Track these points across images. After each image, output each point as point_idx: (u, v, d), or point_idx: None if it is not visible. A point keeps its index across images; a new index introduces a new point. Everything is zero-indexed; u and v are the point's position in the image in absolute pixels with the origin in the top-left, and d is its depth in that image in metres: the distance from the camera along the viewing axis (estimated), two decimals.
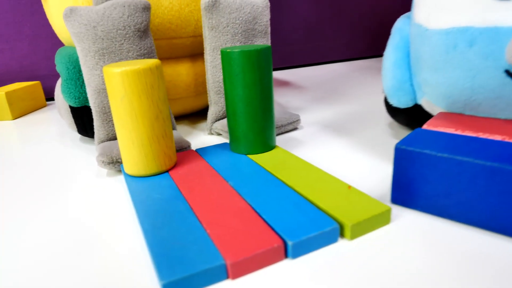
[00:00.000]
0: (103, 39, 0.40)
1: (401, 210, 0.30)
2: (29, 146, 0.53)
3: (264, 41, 0.50)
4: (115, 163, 0.39)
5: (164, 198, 0.31)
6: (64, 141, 0.54)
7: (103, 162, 0.39)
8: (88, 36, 0.40)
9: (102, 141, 0.44)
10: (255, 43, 0.49)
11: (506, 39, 0.30)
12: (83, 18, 0.40)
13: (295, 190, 0.31)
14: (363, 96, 0.69)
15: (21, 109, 0.72)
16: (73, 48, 0.48)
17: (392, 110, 0.45)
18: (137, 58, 0.42)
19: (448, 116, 0.35)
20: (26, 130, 0.61)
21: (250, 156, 0.39)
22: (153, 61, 0.34)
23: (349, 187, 0.31)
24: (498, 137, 0.29)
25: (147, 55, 0.43)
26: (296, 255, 0.25)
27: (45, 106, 0.79)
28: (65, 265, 0.26)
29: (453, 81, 0.33)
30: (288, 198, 0.30)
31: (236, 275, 0.24)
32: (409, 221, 0.29)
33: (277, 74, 1.00)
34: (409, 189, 0.29)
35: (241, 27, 0.47)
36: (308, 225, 0.26)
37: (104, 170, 0.42)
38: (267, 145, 0.40)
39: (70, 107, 0.47)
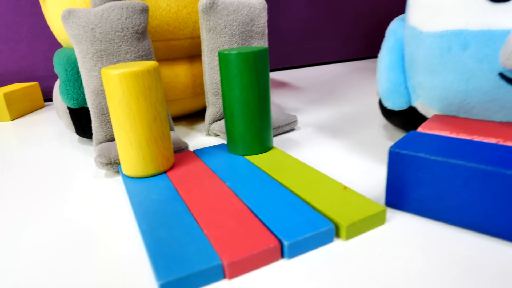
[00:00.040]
0: (101, 41, 0.41)
1: (395, 211, 0.30)
2: (27, 147, 0.53)
3: (261, 42, 0.50)
4: (113, 164, 0.40)
5: (161, 199, 0.32)
6: (63, 142, 0.54)
7: (101, 163, 0.39)
8: (86, 38, 0.40)
9: (100, 142, 0.44)
10: (253, 45, 0.50)
11: (500, 42, 0.30)
12: (81, 20, 0.40)
13: (291, 191, 0.32)
14: (359, 97, 0.69)
15: (19, 110, 0.72)
16: (72, 50, 0.48)
17: (387, 112, 0.45)
18: (135, 60, 0.43)
19: (443, 119, 0.35)
20: (24, 131, 0.61)
21: (248, 157, 0.39)
22: (151, 63, 0.34)
23: (345, 187, 0.31)
24: (492, 140, 0.30)
25: (145, 56, 0.44)
26: (292, 255, 0.25)
27: (43, 107, 0.79)
28: (63, 266, 0.26)
29: (448, 84, 0.33)
30: (285, 198, 0.30)
31: (232, 275, 0.24)
32: (404, 221, 0.29)
33: (274, 75, 1.00)
34: (403, 192, 0.30)
35: (238, 29, 0.47)
36: (304, 225, 0.26)
37: (102, 171, 0.42)
38: (264, 146, 0.40)
39: (69, 108, 0.48)
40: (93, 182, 0.40)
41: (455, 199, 0.27)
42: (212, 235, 0.26)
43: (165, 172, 0.37)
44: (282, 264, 0.25)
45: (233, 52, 0.36)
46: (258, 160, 0.38)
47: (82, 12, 0.40)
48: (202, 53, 0.48)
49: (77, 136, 0.56)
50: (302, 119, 0.58)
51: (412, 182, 0.29)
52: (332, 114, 0.59)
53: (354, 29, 1.16)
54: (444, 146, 0.28)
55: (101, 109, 0.42)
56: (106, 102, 0.42)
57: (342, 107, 0.63)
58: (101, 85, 0.42)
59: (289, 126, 0.51)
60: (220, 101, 0.50)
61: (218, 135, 0.51)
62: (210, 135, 0.52)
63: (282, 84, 0.87)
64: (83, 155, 0.48)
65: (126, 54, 0.42)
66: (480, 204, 0.26)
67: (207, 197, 0.31)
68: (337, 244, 0.27)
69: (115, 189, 0.38)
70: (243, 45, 0.49)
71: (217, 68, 0.48)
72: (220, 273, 0.24)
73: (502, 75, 0.30)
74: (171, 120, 0.47)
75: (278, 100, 0.71)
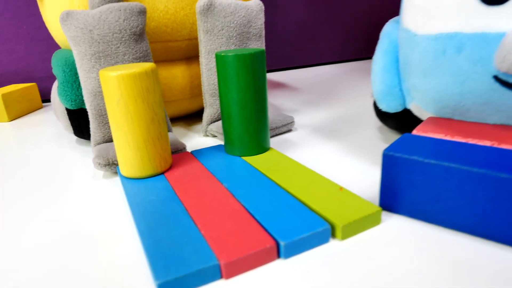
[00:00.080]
0: (99, 42, 0.41)
1: (390, 212, 0.31)
2: (26, 147, 0.53)
3: (258, 44, 0.51)
4: (111, 165, 0.40)
5: (159, 199, 0.32)
6: (61, 142, 0.54)
7: (99, 164, 0.39)
8: (84, 39, 0.40)
9: (98, 143, 0.44)
10: (250, 46, 0.50)
11: (495, 45, 0.30)
12: (79, 22, 0.40)
13: (288, 192, 0.32)
14: (356, 98, 0.69)
15: (17, 110, 0.72)
16: (70, 51, 0.48)
17: (382, 115, 0.45)
18: (133, 61, 0.43)
19: (438, 121, 0.35)
20: (22, 132, 0.61)
21: (245, 158, 0.40)
22: (149, 65, 0.34)
23: (341, 188, 0.32)
24: (487, 143, 0.30)
25: (143, 58, 0.44)
26: (288, 255, 0.26)
27: (41, 107, 0.80)
28: (61, 266, 0.27)
29: (442, 86, 0.34)
30: (281, 199, 0.31)
31: (229, 275, 0.24)
32: (399, 222, 0.29)
33: (272, 76, 1.01)
34: (397, 195, 0.30)
35: (235, 30, 0.48)
36: (300, 226, 0.27)
37: (100, 172, 0.42)
38: (261, 147, 0.40)
39: (67, 109, 0.48)
40: (91, 183, 0.40)
41: (449, 202, 0.27)
42: (209, 236, 0.26)
43: (163, 173, 0.37)
44: (278, 264, 0.25)
45: (230, 54, 0.36)
46: (255, 161, 0.39)
47: (80, 14, 0.40)
48: (199, 54, 0.49)
49: (75, 137, 0.56)
50: (299, 120, 0.58)
51: (406, 185, 0.29)
52: (329, 115, 0.60)
53: (351, 30, 1.16)
54: (438, 148, 0.29)
55: (99, 110, 0.43)
56: (104, 104, 0.43)
57: (339, 108, 0.64)
58: (99, 86, 0.42)
59: (286, 127, 0.51)
60: (218, 102, 0.50)
61: (216, 136, 0.51)
62: (207, 136, 0.52)
63: (279, 85, 0.87)
64: (81, 156, 0.48)
65: (124, 56, 0.42)
66: (474, 207, 0.26)
67: (204, 198, 0.32)
68: (332, 244, 0.27)
69: (113, 190, 0.38)
70: (240, 46, 0.49)
71: (215, 69, 0.48)
72: (217, 273, 0.24)
73: (496, 78, 0.30)
74: (168, 121, 0.48)
75: (276, 101, 0.71)
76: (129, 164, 0.36)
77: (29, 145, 0.54)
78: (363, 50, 1.20)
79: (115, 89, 0.33)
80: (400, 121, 0.43)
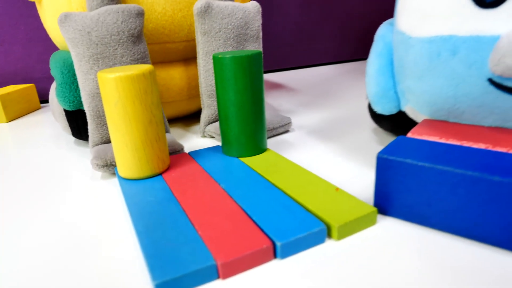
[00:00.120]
0: (97, 44, 0.41)
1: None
2: (24, 148, 0.53)
3: (256, 45, 0.51)
4: (109, 166, 0.40)
5: (157, 200, 0.32)
6: (59, 143, 0.54)
7: (97, 165, 0.40)
8: (82, 41, 0.41)
9: (97, 144, 0.44)
10: (247, 48, 0.50)
11: (489, 48, 0.30)
12: (77, 24, 0.40)
13: (284, 192, 0.32)
14: (352, 99, 0.70)
15: (15, 111, 0.72)
16: (68, 53, 0.48)
17: (376, 117, 0.45)
18: (131, 63, 0.43)
19: (433, 124, 0.35)
20: (20, 133, 0.61)
21: (242, 159, 0.40)
22: (147, 67, 0.35)
23: (337, 189, 0.32)
24: (482, 145, 0.30)
25: (141, 59, 0.44)
26: (284, 255, 0.26)
27: (39, 108, 0.80)
28: (59, 267, 0.27)
29: (437, 89, 0.34)
30: (278, 200, 0.31)
31: (226, 275, 0.25)
32: (394, 223, 0.30)
33: (269, 77, 1.01)
34: (391, 198, 0.30)
35: (233, 32, 0.48)
36: (296, 226, 0.27)
37: (99, 173, 0.43)
38: (259, 148, 0.41)
39: (65, 110, 0.48)
40: (90, 184, 0.40)
41: (443, 205, 0.27)
42: (206, 236, 0.27)
43: (160, 174, 0.37)
44: (275, 264, 0.26)
45: (228, 55, 0.37)
46: (252, 162, 0.39)
47: (78, 16, 0.41)
48: (197, 56, 0.49)
49: (73, 138, 0.56)
50: (296, 121, 0.58)
51: (400, 188, 0.29)
52: (326, 116, 0.60)
53: (348, 31, 1.16)
54: (432, 151, 0.29)
55: (97, 112, 0.43)
56: (102, 105, 0.43)
57: (336, 109, 0.64)
58: (97, 88, 0.42)
59: (283, 128, 0.52)
60: (215, 103, 0.50)
61: (213, 137, 0.51)
62: (205, 136, 0.52)
63: (276, 86, 0.88)
64: (79, 157, 0.48)
65: (122, 57, 0.42)
66: (468, 210, 0.26)
67: (201, 199, 0.32)
68: (328, 245, 0.27)
69: (111, 191, 0.38)
70: (238, 48, 0.49)
71: (212, 71, 0.48)
72: (214, 273, 0.24)
73: (491, 81, 0.31)
74: (166, 122, 0.48)
75: (273, 102, 0.72)
76: (127, 165, 0.36)
77: (27, 146, 0.54)
78: (360, 50, 1.21)
79: (113, 91, 0.34)
80: (395, 123, 0.44)
